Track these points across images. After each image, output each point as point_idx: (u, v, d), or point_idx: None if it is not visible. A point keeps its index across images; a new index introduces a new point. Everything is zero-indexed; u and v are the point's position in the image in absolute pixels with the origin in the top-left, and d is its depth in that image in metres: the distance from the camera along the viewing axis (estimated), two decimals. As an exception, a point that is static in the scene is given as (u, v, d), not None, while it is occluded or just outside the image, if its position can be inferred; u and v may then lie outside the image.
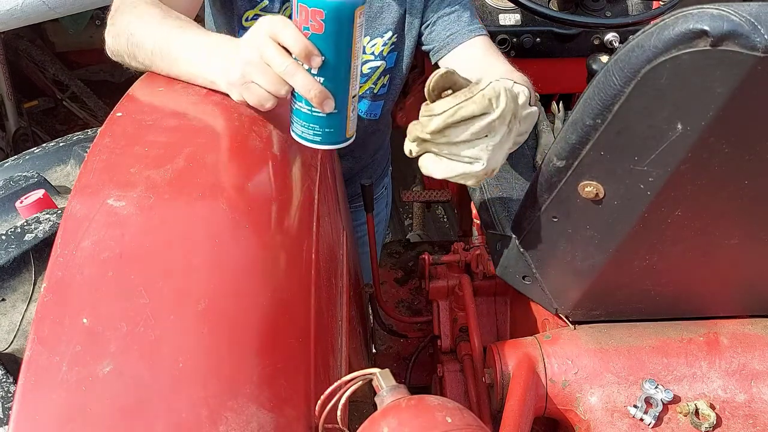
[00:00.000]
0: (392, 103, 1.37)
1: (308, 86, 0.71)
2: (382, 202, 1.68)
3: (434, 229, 2.77)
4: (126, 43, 0.88)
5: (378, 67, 1.24)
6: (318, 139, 0.76)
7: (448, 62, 1.18)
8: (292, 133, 0.78)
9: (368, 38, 1.21)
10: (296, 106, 0.75)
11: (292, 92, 0.74)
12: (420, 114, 0.75)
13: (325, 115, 0.73)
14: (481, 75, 0.85)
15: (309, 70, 0.71)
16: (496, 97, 0.73)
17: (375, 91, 1.28)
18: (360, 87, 1.23)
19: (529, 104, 0.83)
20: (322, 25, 0.68)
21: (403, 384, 0.63)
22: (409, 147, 0.78)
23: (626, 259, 0.88)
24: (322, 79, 0.71)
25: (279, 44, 0.71)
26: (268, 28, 0.71)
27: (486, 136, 0.75)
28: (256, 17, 1.18)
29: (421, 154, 0.79)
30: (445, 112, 0.72)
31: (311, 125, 0.75)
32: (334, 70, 0.71)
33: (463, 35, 1.17)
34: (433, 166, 0.78)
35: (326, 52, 0.70)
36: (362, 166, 1.51)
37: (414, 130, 0.76)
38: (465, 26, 1.18)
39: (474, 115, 0.73)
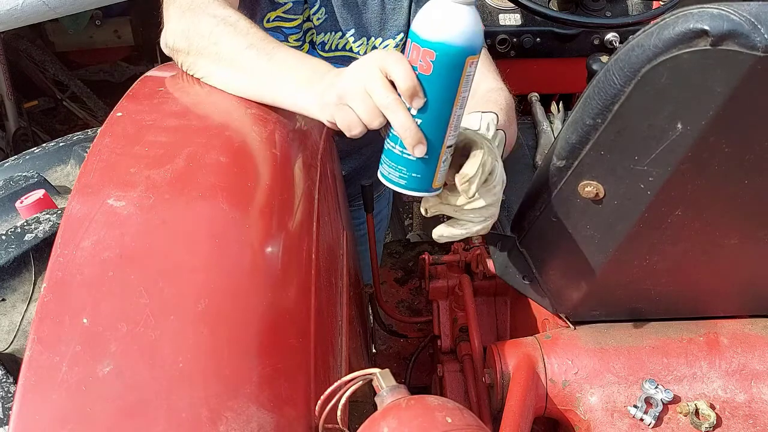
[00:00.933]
0: None
1: (406, 125, 0.69)
2: (384, 201, 1.68)
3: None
4: (205, 47, 0.84)
5: None
6: (403, 182, 0.74)
7: None
8: (379, 176, 0.77)
9: (380, 39, 1.22)
10: (388, 146, 0.73)
11: (387, 132, 0.73)
12: (457, 181, 0.75)
13: (415, 158, 0.71)
14: None
15: (409, 111, 0.69)
16: (492, 149, 0.77)
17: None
18: None
19: (497, 129, 0.88)
20: (431, 66, 0.66)
21: (403, 384, 0.63)
22: (424, 209, 0.81)
23: (626, 259, 0.88)
24: (419, 121, 0.69)
25: (386, 77, 0.70)
26: (380, 58, 0.71)
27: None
28: (278, 19, 1.17)
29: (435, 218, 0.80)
30: (477, 171, 0.74)
31: (399, 167, 0.73)
32: (434, 114, 0.69)
33: None
34: (449, 234, 0.81)
35: (429, 94, 0.68)
36: (364, 166, 1.51)
37: (431, 202, 0.79)
38: None
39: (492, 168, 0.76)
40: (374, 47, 1.22)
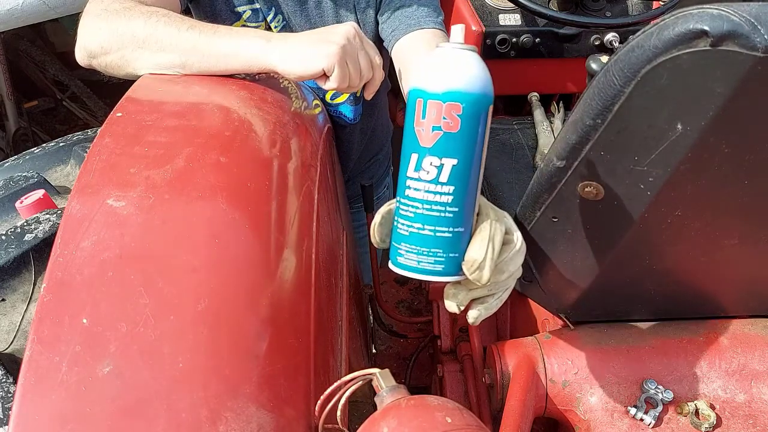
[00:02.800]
0: (380, 106, 1.38)
1: (371, 89, 0.93)
2: (383, 203, 1.68)
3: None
4: (130, 36, 0.87)
5: None
6: (440, 268, 0.63)
7: (393, 55, 1.18)
8: (398, 269, 0.65)
9: None
10: (408, 229, 0.63)
11: (399, 217, 0.64)
12: (465, 270, 0.63)
13: (451, 234, 0.61)
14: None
15: (436, 181, 0.60)
16: (495, 210, 0.67)
17: (358, 94, 1.30)
18: None
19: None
20: (458, 121, 0.59)
21: (403, 384, 0.63)
22: (456, 303, 0.67)
23: (626, 260, 0.88)
24: (452, 188, 0.60)
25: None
26: (360, 36, 0.89)
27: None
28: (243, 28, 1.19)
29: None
30: (486, 253, 0.62)
31: (433, 250, 0.62)
32: (466, 177, 0.61)
33: (406, 28, 1.16)
34: (486, 311, 0.68)
35: (460, 154, 0.60)
36: (363, 169, 1.51)
37: (457, 293, 0.66)
38: (415, 18, 1.16)
39: (504, 235, 0.65)
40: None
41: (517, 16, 1.69)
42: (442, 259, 0.62)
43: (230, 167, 0.72)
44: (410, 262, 0.63)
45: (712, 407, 0.95)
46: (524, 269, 1.03)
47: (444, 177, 0.60)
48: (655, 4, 1.70)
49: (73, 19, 2.67)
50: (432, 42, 1.13)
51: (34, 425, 0.51)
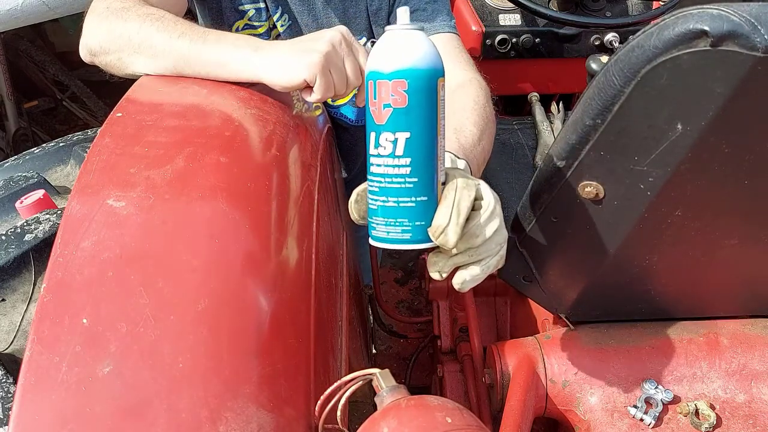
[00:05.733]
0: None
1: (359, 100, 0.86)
2: None
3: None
4: (127, 39, 0.88)
5: None
6: (408, 236, 0.66)
7: None
8: (374, 242, 0.68)
9: None
10: (378, 203, 0.66)
11: (370, 192, 0.68)
12: (431, 236, 0.65)
13: (414, 203, 0.65)
14: None
15: (393, 155, 0.64)
16: (466, 177, 0.69)
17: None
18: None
19: (457, 157, 0.79)
20: (405, 96, 0.63)
21: (403, 384, 0.63)
22: (437, 271, 0.69)
23: (626, 260, 0.88)
24: (409, 160, 0.64)
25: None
26: (346, 39, 0.85)
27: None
28: (246, 27, 1.19)
29: (452, 273, 0.70)
30: (450, 218, 0.64)
31: (399, 220, 0.65)
32: (421, 147, 0.64)
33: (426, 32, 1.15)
34: (471, 277, 0.68)
35: (412, 128, 0.63)
36: (364, 168, 1.51)
37: (437, 260, 0.68)
38: (429, 23, 1.17)
39: (472, 202, 0.66)
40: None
41: (517, 16, 1.69)
42: (409, 228, 0.65)
43: (230, 167, 0.72)
44: (382, 234, 0.67)
45: (712, 407, 0.95)
46: (524, 269, 1.04)
47: (399, 150, 0.64)
48: (655, 4, 1.70)
49: (73, 19, 2.67)
50: (448, 46, 1.13)
51: (34, 425, 0.51)
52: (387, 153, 0.64)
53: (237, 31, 1.19)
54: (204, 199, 0.67)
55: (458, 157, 0.79)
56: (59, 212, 0.82)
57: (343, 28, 0.86)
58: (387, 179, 0.65)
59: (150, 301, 0.57)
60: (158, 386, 0.54)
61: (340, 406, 0.61)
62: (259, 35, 1.20)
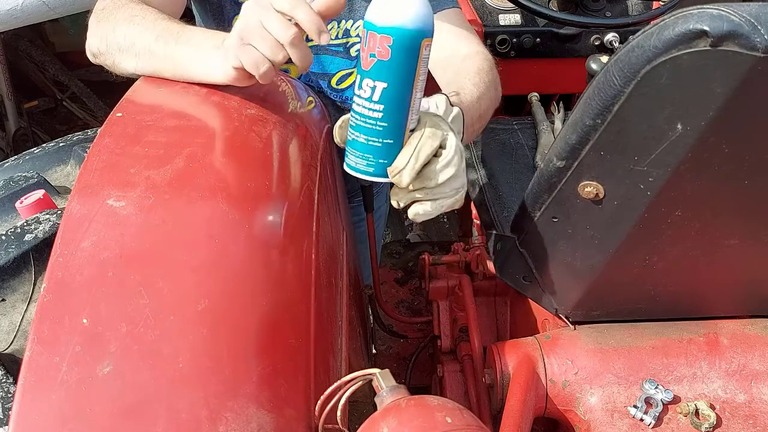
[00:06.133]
0: None
1: (307, 56, 0.74)
2: (382, 197, 1.68)
3: (434, 229, 2.77)
4: (115, 42, 0.89)
5: None
6: (371, 170, 0.75)
7: None
8: (346, 167, 0.77)
9: (351, 21, 1.22)
10: (352, 136, 0.75)
11: (350, 124, 0.75)
12: (389, 174, 0.75)
13: (381, 144, 0.73)
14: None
15: (370, 99, 0.72)
16: (438, 123, 0.76)
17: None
18: (351, 73, 1.25)
19: (450, 105, 0.83)
20: (389, 51, 0.69)
21: (403, 384, 0.63)
22: (396, 200, 0.79)
23: (626, 260, 0.88)
24: (382, 107, 0.71)
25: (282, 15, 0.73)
26: (270, 1, 0.74)
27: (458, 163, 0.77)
28: None
29: (409, 204, 0.79)
30: (408, 162, 0.73)
31: (366, 155, 0.74)
32: (396, 99, 0.71)
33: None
34: (423, 211, 0.77)
35: (389, 79, 0.70)
36: None
37: (398, 192, 0.77)
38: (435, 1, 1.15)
39: (435, 150, 0.74)
40: (346, 30, 1.22)
41: (517, 16, 1.69)
42: (373, 164, 0.75)
43: (230, 167, 0.72)
44: (352, 162, 0.76)
45: (712, 407, 0.95)
46: (524, 269, 1.04)
47: (376, 97, 0.71)
48: (655, 4, 1.70)
49: (73, 19, 2.67)
50: (455, 21, 1.16)
51: (34, 425, 0.51)
52: (365, 96, 0.72)
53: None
54: (204, 199, 0.67)
55: (452, 105, 0.84)
56: (59, 212, 0.82)
57: None
58: (362, 119, 0.73)
59: (150, 301, 0.57)
60: (158, 386, 0.54)
61: (340, 406, 0.61)
62: None
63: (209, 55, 0.82)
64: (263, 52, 0.74)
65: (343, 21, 1.22)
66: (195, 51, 0.84)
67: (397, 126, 0.73)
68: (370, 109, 0.72)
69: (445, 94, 0.87)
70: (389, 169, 0.74)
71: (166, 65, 0.86)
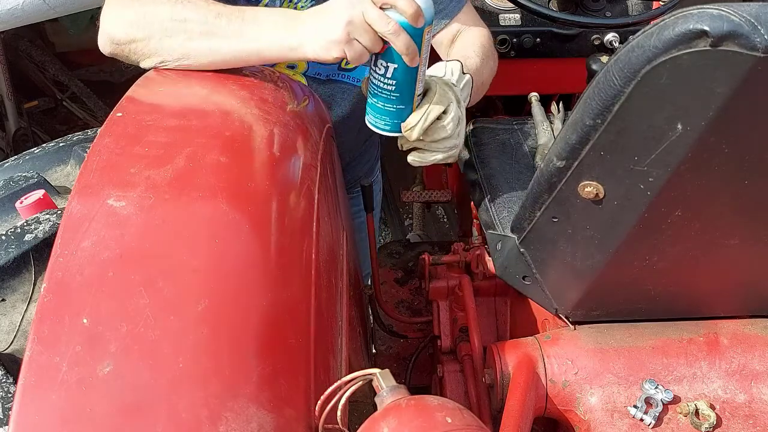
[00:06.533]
0: None
1: (408, 43, 0.84)
2: (377, 186, 1.69)
3: (434, 229, 2.77)
4: (158, 23, 0.87)
5: None
6: (387, 128, 0.94)
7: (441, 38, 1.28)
8: (367, 122, 0.95)
9: None
10: (373, 101, 0.92)
11: (369, 90, 0.92)
12: (402, 128, 0.93)
13: (394, 109, 0.91)
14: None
15: (384, 76, 0.88)
16: (446, 92, 0.93)
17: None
18: None
19: (462, 73, 1.02)
20: None
21: (403, 384, 0.63)
22: (401, 144, 0.97)
23: (626, 260, 0.88)
24: (394, 82, 0.88)
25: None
26: None
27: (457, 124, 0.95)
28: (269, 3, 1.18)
29: (410, 149, 0.97)
30: (418, 122, 0.91)
31: (383, 116, 0.92)
32: (404, 75, 0.88)
33: (451, 12, 1.26)
34: (420, 159, 0.97)
35: (399, 61, 0.85)
36: (362, 148, 1.51)
37: (405, 140, 0.95)
38: (448, 10, 1.25)
39: (440, 114, 0.92)
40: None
41: (517, 16, 1.69)
42: (389, 123, 0.93)
43: (230, 167, 0.72)
44: (370, 119, 0.94)
45: (712, 407, 0.95)
46: (524, 269, 1.04)
47: (389, 74, 0.88)
48: (655, 4, 1.70)
49: (73, 19, 2.67)
50: (470, 15, 1.29)
51: (34, 425, 0.51)
52: (380, 73, 0.88)
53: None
54: (204, 199, 0.67)
55: (464, 73, 1.03)
56: (59, 212, 0.82)
57: None
58: (379, 89, 0.90)
59: (150, 301, 0.57)
60: (158, 386, 0.54)
61: (340, 406, 0.61)
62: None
63: (298, 35, 0.88)
64: (366, 45, 0.85)
65: None
66: (273, 28, 0.88)
67: (407, 96, 0.90)
68: (384, 83, 0.88)
69: (460, 61, 1.04)
70: (403, 125, 0.92)
71: (231, 43, 0.87)
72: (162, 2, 0.88)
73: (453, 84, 0.98)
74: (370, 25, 0.84)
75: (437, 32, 1.26)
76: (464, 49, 1.18)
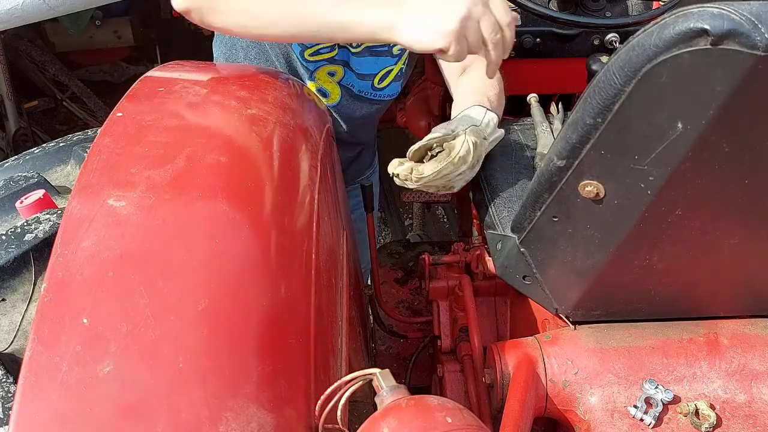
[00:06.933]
0: (405, 80, 1.42)
1: (499, 55, 0.87)
2: (374, 176, 1.70)
3: (434, 229, 2.77)
4: None
5: (404, 49, 1.27)
6: None
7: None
8: None
9: None
10: None
11: None
12: (411, 168, 0.95)
13: None
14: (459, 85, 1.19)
15: None
16: (466, 154, 0.94)
17: (402, 72, 1.34)
18: (392, 70, 1.35)
19: (498, 127, 1.04)
20: None
21: (403, 384, 0.63)
22: (392, 171, 0.98)
23: (626, 259, 0.88)
24: None
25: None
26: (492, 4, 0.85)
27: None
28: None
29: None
30: (432, 174, 0.93)
31: None
32: None
33: None
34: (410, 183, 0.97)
35: None
36: (365, 144, 1.51)
37: (403, 172, 0.96)
38: None
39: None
40: None
41: (517, 17, 1.68)
42: None
43: (230, 167, 0.72)
44: None
45: (712, 407, 0.95)
46: (524, 269, 1.04)
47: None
48: (655, 4, 1.70)
49: (73, 19, 2.67)
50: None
51: (34, 425, 0.51)
52: None
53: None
54: (204, 199, 0.67)
55: (488, 109, 1.05)
56: (59, 212, 0.82)
57: None
58: None
59: (150, 301, 0.57)
60: (158, 386, 0.54)
61: (340, 406, 0.61)
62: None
63: (381, 19, 0.86)
64: (472, 46, 0.85)
65: None
66: (373, 10, 0.86)
67: None
68: None
69: (497, 114, 1.07)
70: (415, 170, 0.94)
71: (320, 20, 0.87)
72: None
73: (484, 138, 0.99)
74: (482, 30, 0.84)
75: None
76: (485, 88, 1.16)
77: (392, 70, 1.31)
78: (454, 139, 0.96)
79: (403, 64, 1.32)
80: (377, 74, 1.30)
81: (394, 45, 1.26)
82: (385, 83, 1.31)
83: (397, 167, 0.96)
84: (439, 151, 0.96)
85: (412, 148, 0.98)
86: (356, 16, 0.87)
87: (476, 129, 0.98)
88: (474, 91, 1.13)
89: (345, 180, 1.39)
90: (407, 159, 0.97)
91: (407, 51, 1.29)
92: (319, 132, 0.96)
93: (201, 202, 0.67)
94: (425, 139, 0.97)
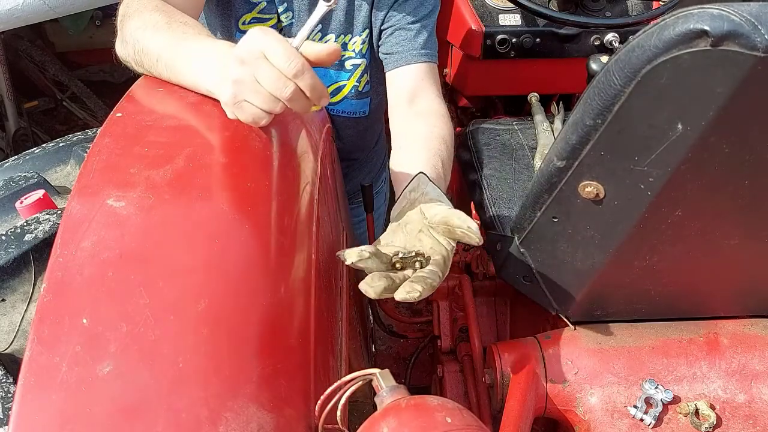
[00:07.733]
0: (379, 99, 1.36)
1: (306, 104, 0.71)
2: (381, 197, 1.68)
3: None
4: (132, 50, 0.88)
5: (359, 65, 1.27)
6: None
7: (388, 79, 1.21)
8: None
9: (350, 35, 1.23)
10: None
11: None
12: (396, 296, 0.72)
13: None
14: (404, 119, 1.09)
15: None
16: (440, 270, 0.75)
17: (360, 89, 1.30)
18: (345, 86, 1.30)
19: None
20: None
21: (403, 384, 0.63)
22: (350, 260, 0.76)
23: (626, 260, 0.88)
24: None
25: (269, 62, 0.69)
26: (259, 45, 0.69)
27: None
28: (254, 20, 1.19)
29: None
30: (429, 292, 0.73)
31: None
32: None
33: (407, 59, 1.19)
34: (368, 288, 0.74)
35: None
36: (361, 163, 1.51)
37: (373, 280, 0.73)
38: (414, 49, 1.19)
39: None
40: (344, 44, 1.24)
41: (517, 16, 1.69)
42: None
43: (230, 168, 0.72)
44: None
45: (712, 407, 0.95)
46: (524, 269, 1.04)
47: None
48: (655, 4, 1.70)
49: (73, 20, 2.66)
50: (430, 75, 1.19)
51: (34, 425, 0.51)
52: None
53: (244, 24, 1.18)
54: (204, 199, 0.67)
55: (444, 194, 0.87)
56: (59, 212, 0.82)
57: (255, 33, 0.71)
58: None
59: (150, 301, 0.57)
60: (158, 386, 0.54)
61: (340, 406, 0.61)
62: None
63: (213, 86, 0.78)
64: (260, 107, 0.72)
65: (342, 35, 1.23)
66: (198, 72, 0.79)
67: None
68: None
69: (476, 223, 0.82)
70: (398, 292, 0.72)
71: (174, 75, 0.84)
72: (134, 28, 0.87)
73: (450, 249, 0.80)
74: (262, 86, 0.70)
75: (392, 67, 1.19)
76: (438, 144, 1.03)
77: (345, 86, 1.28)
78: (432, 249, 0.79)
79: (356, 81, 1.28)
80: (327, 88, 1.28)
81: (346, 60, 1.25)
82: (337, 98, 1.29)
83: (376, 283, 0.73)
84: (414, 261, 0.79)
85: (370, 266, 0.77)
86: (189, 81, 0.82)
87: (448, 229, 0.79)
88: (427, 153, 0.99)
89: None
90: (377, 277, 0.74)
91: (360, 69, 1.27)
92: (319, 132, 0.96)
93: (201, 202, 0.66)
94: (389, 250, 0.81)
